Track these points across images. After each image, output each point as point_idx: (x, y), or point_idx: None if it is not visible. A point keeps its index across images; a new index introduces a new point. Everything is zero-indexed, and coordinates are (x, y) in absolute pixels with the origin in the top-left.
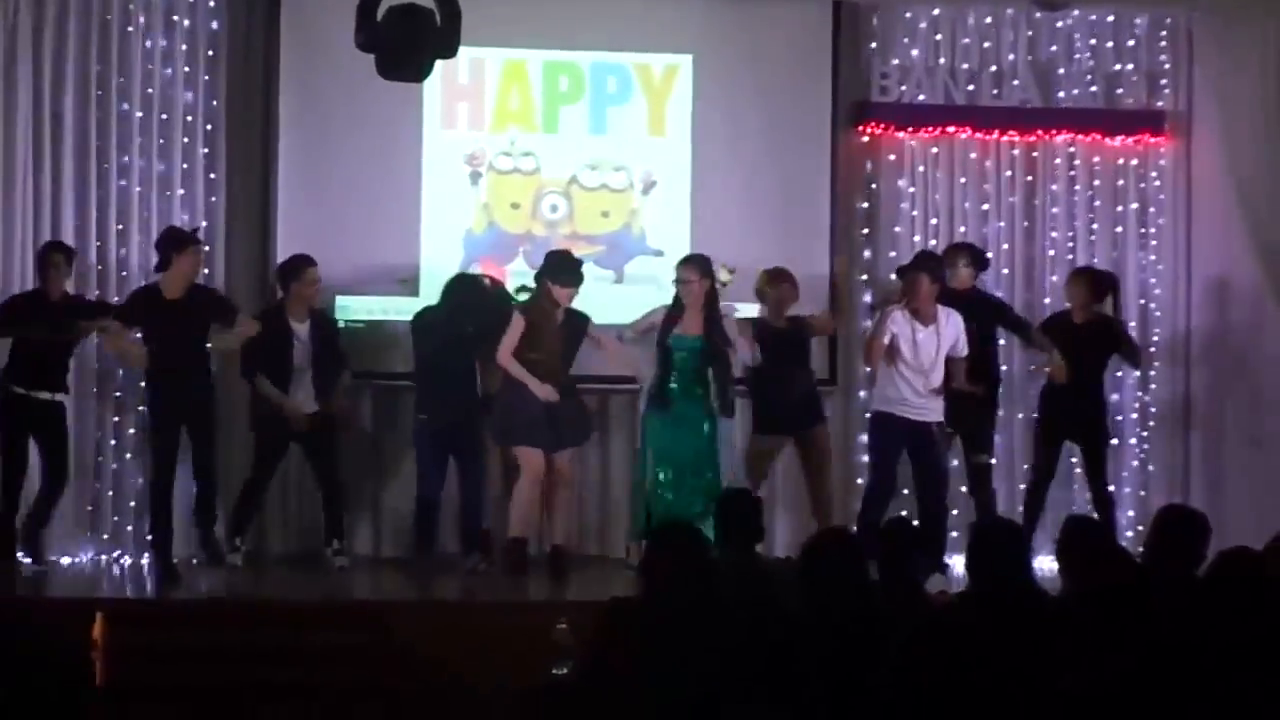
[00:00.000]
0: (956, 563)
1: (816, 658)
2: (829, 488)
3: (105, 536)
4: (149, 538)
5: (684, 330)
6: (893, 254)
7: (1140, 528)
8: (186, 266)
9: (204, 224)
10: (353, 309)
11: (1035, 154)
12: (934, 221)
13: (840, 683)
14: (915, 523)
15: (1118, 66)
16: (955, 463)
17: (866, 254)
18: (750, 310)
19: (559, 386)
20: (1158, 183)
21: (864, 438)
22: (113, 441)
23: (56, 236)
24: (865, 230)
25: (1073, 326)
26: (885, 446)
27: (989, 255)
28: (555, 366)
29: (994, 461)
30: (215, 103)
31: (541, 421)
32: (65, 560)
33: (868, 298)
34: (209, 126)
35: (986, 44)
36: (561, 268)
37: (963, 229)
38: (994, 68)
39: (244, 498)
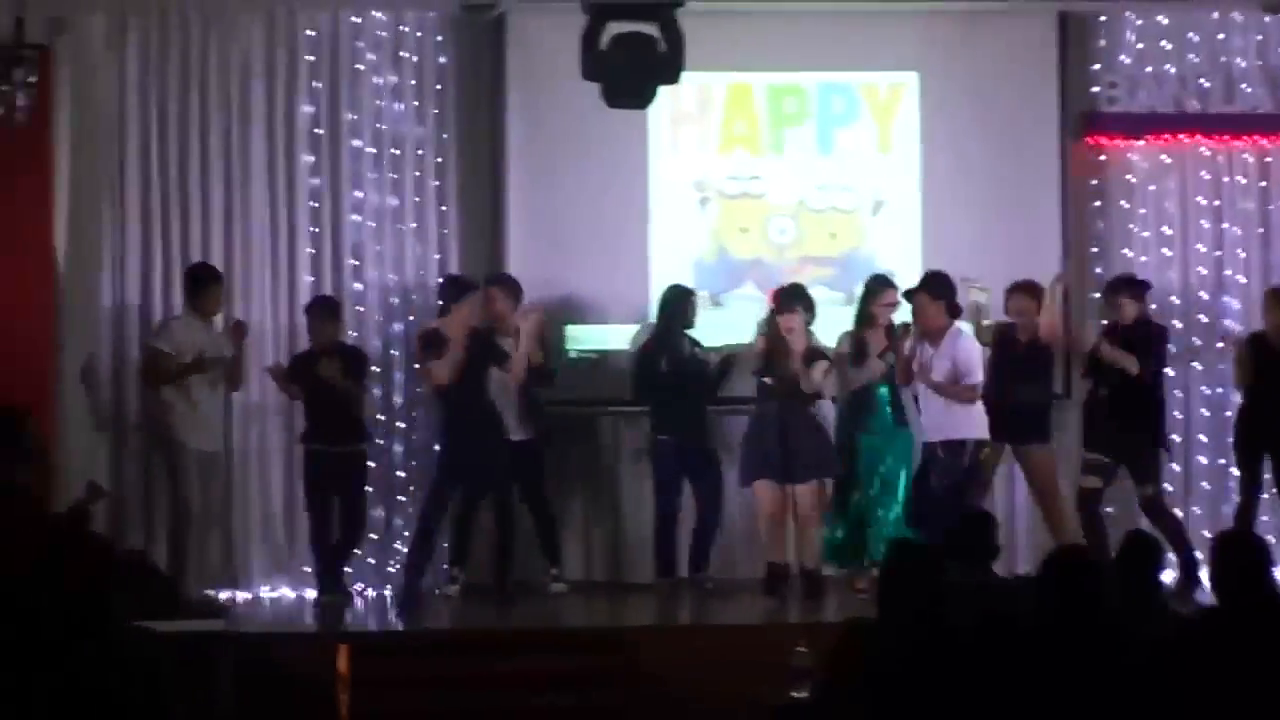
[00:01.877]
0: None
1: (1051, 674)
2: (1057, 505)
3: (348, 570)
4: (407, 565)
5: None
6: (1126, 265)
7: None
8: (465, 312)
9: (436, 257)
10: (583, 339)
11: (1268, 159)
12: (1167, 231)
13: (1075, 699)
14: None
15: None
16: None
17: (1099, 268)
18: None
19: (796, 416)
20: None
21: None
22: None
23: (293, 275)
24: (1096, 243)
25: (1269, 347)
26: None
27: (1147, 282)
28: (791, 392)
29: (1166, 489)
30: (445, 136)
31: (775, 455)
32: (310, 593)
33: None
34: (439, 160)
35: (1215, 49)
36: (787, 295)
37: (1196, 238)
38: (1224, 73)
39: (460, 528)
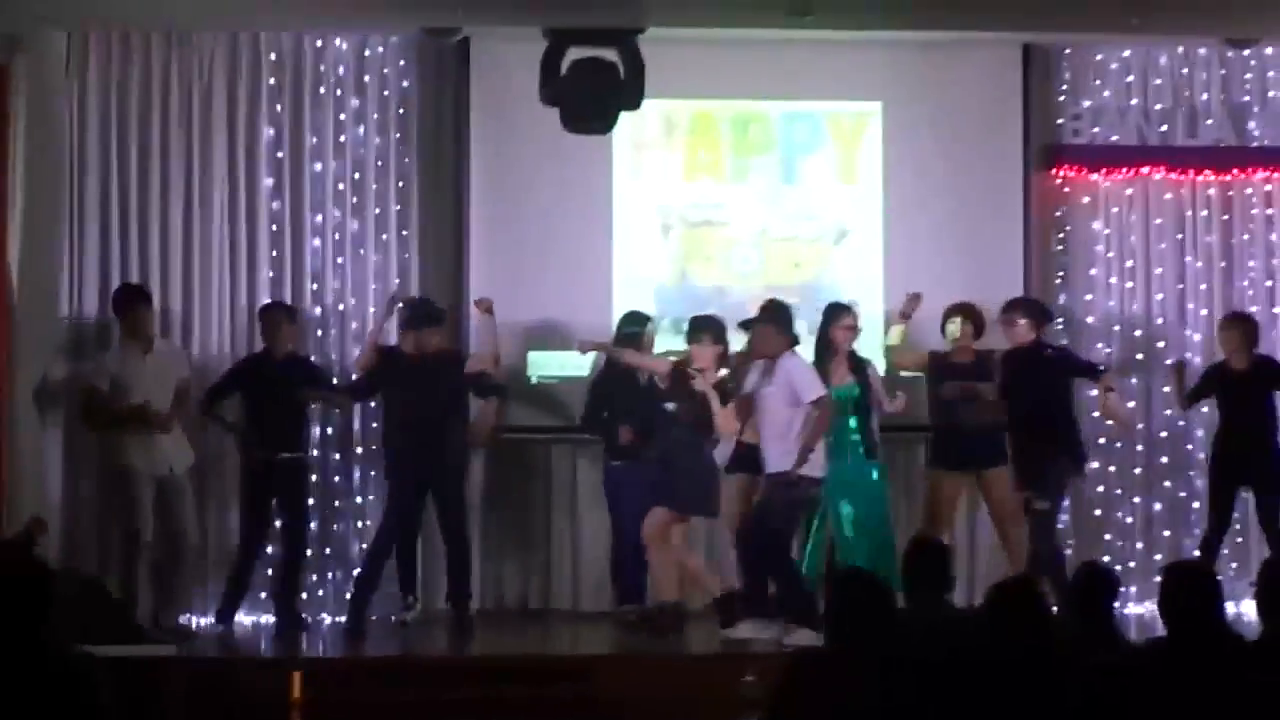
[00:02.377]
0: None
1: (1001, 706)
2: (1012, 532)
3: (303, 596)
4: (351, 594)
5: (840, 379)
6: (1088, 297)
7: None
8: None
9: (397, 281)
10: (545, 365)
11: (1231, 193)
12: (1129, 264)
13: None
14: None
15: None
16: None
17: (1062, 298)
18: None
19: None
20: None
21: None
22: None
23: (253, 296)
24: (1060, 274)
25: (1232, 373)
26: None
27: (1050, 309)
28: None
29: (1047, 506)
30: (407, 160)
31: (664, 483)
32: (266, 619)
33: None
34: (400, 183)
35: (1178, 83)
36: (693, 325)
37: (1159, 270)
38: (1187, 107)
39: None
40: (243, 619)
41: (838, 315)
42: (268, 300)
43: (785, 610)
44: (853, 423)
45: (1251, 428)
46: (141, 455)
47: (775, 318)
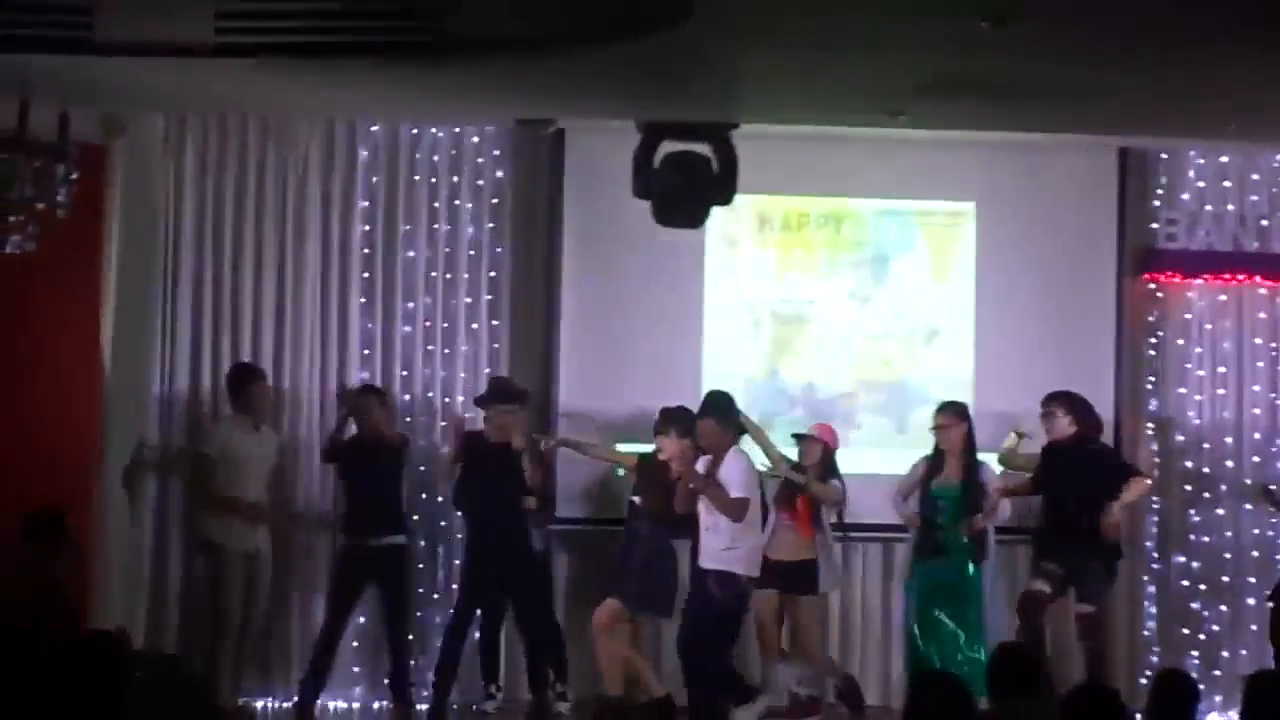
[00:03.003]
0: None
1: None
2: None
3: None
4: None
5: (946, 478)
6: (1181, 400)
7: None
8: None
9: (487, 371)
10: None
11: None
12: (1222, 370)
13: None
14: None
15: None
16: None
17: (1153, 404)
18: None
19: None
20: None
21: None
22: None
23: (342, 381)
24: (1151, 379)
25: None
26: None
27: (1091, 406)
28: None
29: (1092, 610)
30: (500, 250)
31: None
32: (356, 705)
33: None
34: (493, 273)
35: (1276, 189)
36: (662, 417)
37: (1252, 380)
38: None
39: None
40: (341, 703)
41: (935, 416)
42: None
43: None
44: (950, 522)
45: None
46: (232, 532)
47: (714, 411)
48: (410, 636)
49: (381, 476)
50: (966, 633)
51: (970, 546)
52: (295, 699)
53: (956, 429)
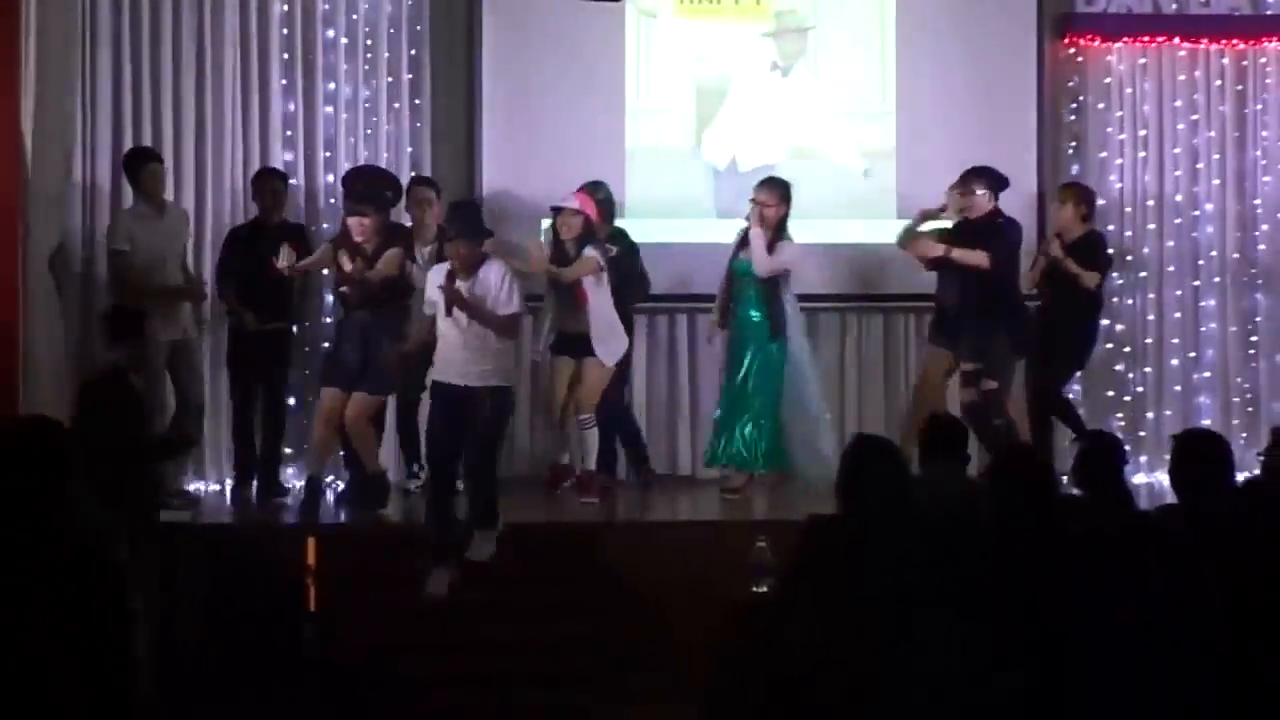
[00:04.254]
0: None
1: (1006, 572)
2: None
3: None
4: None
5: (749, 255)
6: (1102, 165)
7: None
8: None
9: (409, 150)
10: None
11: (1245, 62)
12: (1143, 133)
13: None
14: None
15: None
16: None
17: (1075, 168)
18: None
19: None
20: None
21: None
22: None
23: (266, 163)
24: (1073, 143)
25: None
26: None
27: (1007, 179)
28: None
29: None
30: (419, 27)
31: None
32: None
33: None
34: (413, 51)
35: None
36: None
37: (1173, 144)
38: None
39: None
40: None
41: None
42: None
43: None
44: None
45: None
46: (160, 322)
47: (461, 225)
48: (284, 423)
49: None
50: (756, 406)
51: (765, 323)
52: (230, 483)
53: (775, 210)
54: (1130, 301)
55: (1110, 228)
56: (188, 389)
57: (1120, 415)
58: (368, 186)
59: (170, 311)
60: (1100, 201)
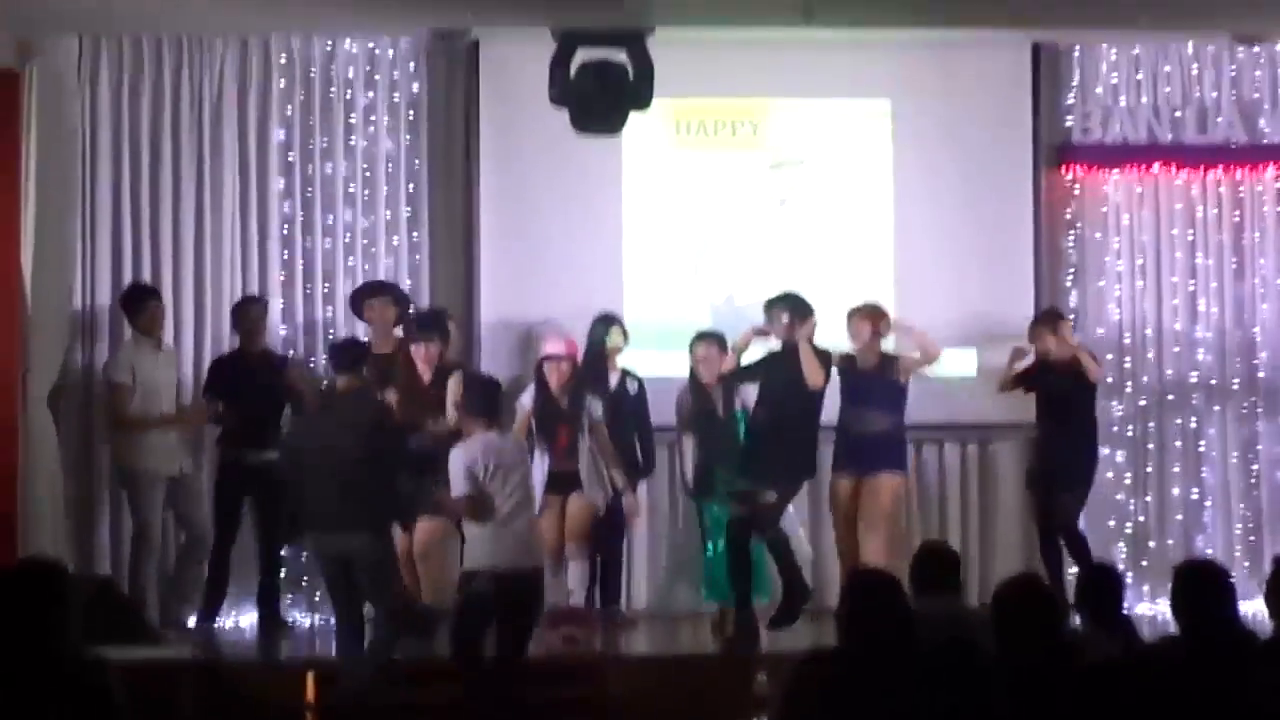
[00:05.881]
0: None
1: (1011, 703)
2: (874, 541)
3: (317, 596)
4: None
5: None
6: (1100, 293)
7: None
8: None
9: (409, 282)
10: None
11: (1241, 191)
12: (1140, 261)
13: None
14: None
15: None
16: None
17: (1073, 297)
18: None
19: None
20: None
21: None
22: None
23: (263, 295)
24: (1071, 272)
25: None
26: None
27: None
28: None
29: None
30: (417, 162)
31: None
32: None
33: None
34: (411, 186)
35: (1188, 81)
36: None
37: (1171, 272)
38: (1197, 105)
39: None
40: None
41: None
42: (279, 302)
43: None
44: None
45: None
46: (155, 456)
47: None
48: (283, 552)
49: (261, 392)
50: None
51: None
52: (195, 618)
53: (717, 362)
54: (1130, 431)
55: (1109, 356)
56: (192, 524)
57: (1122, 545)
58: (436, 317)
59: (168, 444)
60: (1099, 330)
